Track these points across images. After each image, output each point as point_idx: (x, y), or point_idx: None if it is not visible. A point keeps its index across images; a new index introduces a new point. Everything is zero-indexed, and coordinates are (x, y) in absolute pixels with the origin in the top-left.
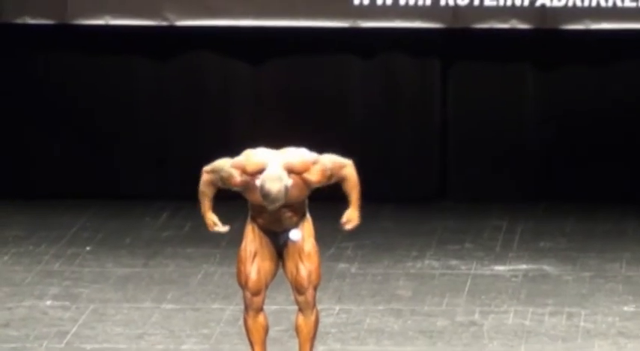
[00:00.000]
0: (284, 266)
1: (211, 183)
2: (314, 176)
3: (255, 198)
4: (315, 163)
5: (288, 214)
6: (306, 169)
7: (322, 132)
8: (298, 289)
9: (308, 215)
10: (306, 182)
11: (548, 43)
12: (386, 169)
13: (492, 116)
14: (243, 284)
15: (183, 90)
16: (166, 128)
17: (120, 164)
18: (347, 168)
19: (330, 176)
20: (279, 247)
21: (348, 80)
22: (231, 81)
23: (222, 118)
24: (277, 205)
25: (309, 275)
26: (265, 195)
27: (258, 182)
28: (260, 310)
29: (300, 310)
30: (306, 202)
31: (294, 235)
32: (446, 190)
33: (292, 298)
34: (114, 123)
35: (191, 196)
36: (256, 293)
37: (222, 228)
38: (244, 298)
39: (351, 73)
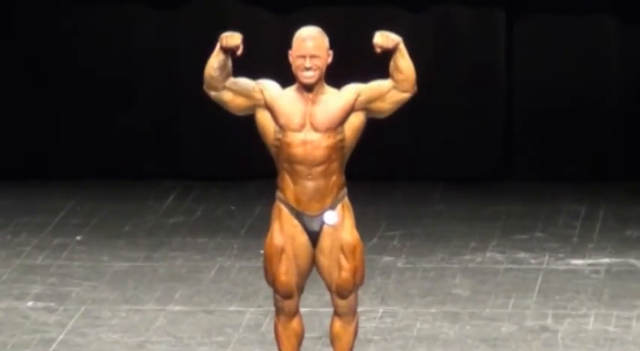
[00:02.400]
0: (319, 263)
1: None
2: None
3: (283, 117)
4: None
5: (323, 178)
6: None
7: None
8: (340, 292)
9: (347, 200)
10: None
11: None
12: (439, 143)
13: (567, 80)
14: (271, 285)
15: (197, 45)
16: (175, 91)
17: (117, 136)
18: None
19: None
20: (314, 238)
21: (393, 31)
22: (255, 33)
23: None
24: (312, 44)
25: (354, 275)
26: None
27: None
28: (294, 314)
29: (339, 315)
30: (343, 171)
31: (330, 217)
32: (512, 168)
33: (328, 299)
34: (111, 86)
35: (203, 175)
36: (287, 296)
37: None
38: (274, 300)
39: (398, 29)
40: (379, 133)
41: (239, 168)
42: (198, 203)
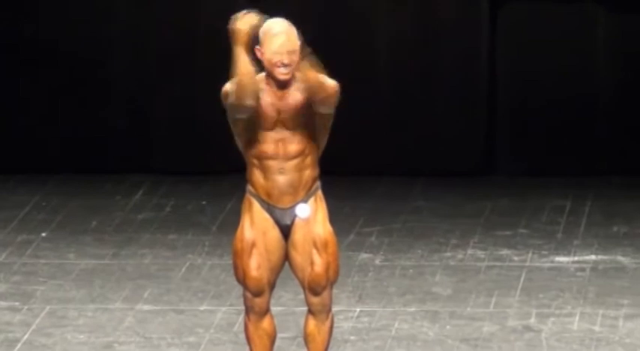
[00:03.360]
0: (291, 258)
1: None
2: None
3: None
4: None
5: (297, 172)
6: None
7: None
8: (313, 288)
9: (320, 192)
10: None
11: None
12: (420, 137)
13: (553, 72)
14: (241, 282)
15: (169, 34)
16: (145, 83)
17: (84, 127)
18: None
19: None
20: (286, 232)
21: (371, 20)
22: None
23: (214, 64)
24: (287, 38)
25: (327, 270)
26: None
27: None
28: (264, 313)
29: (312, 313)
30: (317, 163)
31: (302, 210)
32: (495, 163)
33: (303, 297)
34: (78, 70)
35: (174, 168)
36: (258, 294)
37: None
38: (244, 298)
39: (376, 11)
40: (358, 127)
41: (210, 162)
42: (167, 198)
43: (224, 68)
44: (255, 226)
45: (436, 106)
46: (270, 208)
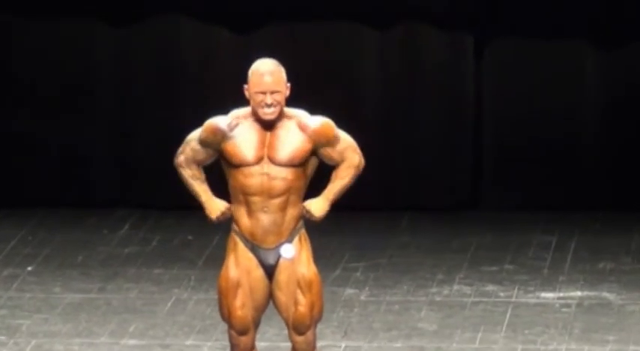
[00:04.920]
0: (276, 297)
1: (193, 159)
2: (334, 153)
3: (237, 156)
4: (337, 138)
5: (280, 211)
6: (329, 141)
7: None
8: (297, 327)
9: (304, 232)
10: (318, 156)
11: (612, 12)
12: (406, 172)
13: (539, 105)
14: (226, 321)
15: (152, 65)
16: (130, 113)
17: (70, 162)
18: (357, 155)
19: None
20: (270, 271)
21: (359, 57)
22: (213, 51)
23: (200, 100)
24: (271, 79)
25: (311, 310)
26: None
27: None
28: (249, 350)
29: None
30: (301, 201)
31: (287, 251)
32: (481, 198)
33: (287, 333)
34: (63, 106)
35: (160, 203)
36: (243, 332)
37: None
38: (229, 336)
39: (364, 48)
40: None
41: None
42: (153, 233)
43: (209, 101)
44: (240, 265)
45: (422, 141)
46: (254, 247)
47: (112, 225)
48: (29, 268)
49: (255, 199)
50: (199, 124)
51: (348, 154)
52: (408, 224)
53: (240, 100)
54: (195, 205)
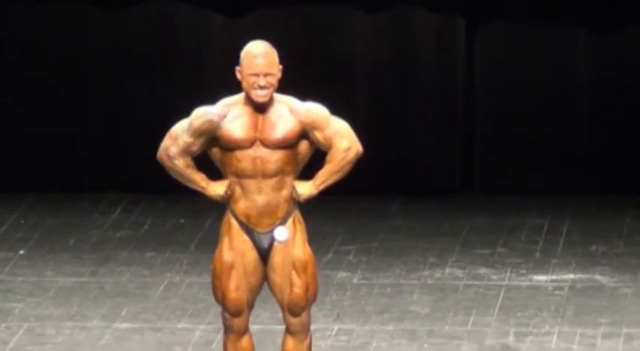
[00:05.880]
0: (270, 280)
1: (186, 151)
2: (322, 137)
3: (233, 141)
4: (326, 123)
5: (274, 192)
6: (318, 125)
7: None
8: (292, 309)
9: (299, 214)
10: (309, 141)
11: None
12: (398, 155)
13: (531, 89)
14: (220, 303)
15: (146, 50)
16: (122, 97)
17: (61, 144)
18: (346, 140)
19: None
20: (264, 254)
21: (349, 41)
22: (205, 36)
23: (194, 83)
24: (264, 61)
25: (306, 291)
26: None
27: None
28: (243, 332)
29: (291, 333)
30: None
31: (281, 233)
32: (473, 181)
33: (281, 316)
34: (54, 89)
35: (152, 186)
36: (237, 314)
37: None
38: (223, 318)
39: (354, 32)
40: None
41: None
42: (145, 216)
43: (203, 85)
44: (234, 248)
45: (414, 124)
46: (248, 230)
47: (103, 208)
48: (21, 252)
49: (250, 181)
50: (193, 107)
51: (336, 140)
52: (400, 208)
53: (233, 83)
54: (187, 189)
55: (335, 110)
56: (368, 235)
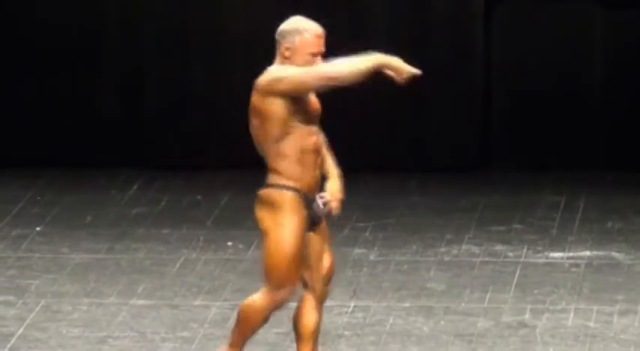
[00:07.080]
0: (312, 248)
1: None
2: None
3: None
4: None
5: (320, 167)
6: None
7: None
8: (329, 277)
9: None
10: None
11: None
12: (413, 131)
13: (548, 65)
14: (279, 285)
15: (164, 26)
16: (139, 72)
17: (78, 121)
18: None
19: None
20: (313, 225)
21: (368, 15)
22: (220, 11)
23: (209, 61)
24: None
25: (333, 262)
26: None
27: None
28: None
29: (320, 303)
30: None
31: (321, 202)
32: (490, 158)
33: (298, 294)
34: (70, 65)
35: (168, 163)
36: (290, 298)
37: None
38: (272, 297)
39: (371, 11)
40: (353, 123)
41: (205, 157)
42: (162, 193)
43: (217, 64)
44: (302, 228)
45: (431, 102)
46: (309, 202)
47: (120, 185)
48: (38, 229)
49: (312, 156)
50: (209, 83)
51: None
52: (417, 184)
53: (249, 58)
54: (204, 166)
55: (353, 92)
56: (384, 211)
